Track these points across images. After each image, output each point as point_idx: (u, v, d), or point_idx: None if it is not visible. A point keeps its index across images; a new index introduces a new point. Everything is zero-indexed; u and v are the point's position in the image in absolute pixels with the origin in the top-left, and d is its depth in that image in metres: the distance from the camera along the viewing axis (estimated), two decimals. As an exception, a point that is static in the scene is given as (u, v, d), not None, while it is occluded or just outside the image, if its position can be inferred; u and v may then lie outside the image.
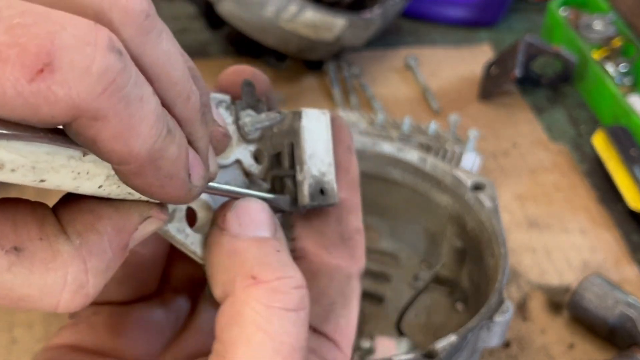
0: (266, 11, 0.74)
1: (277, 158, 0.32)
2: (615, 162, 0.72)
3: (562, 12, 0.90)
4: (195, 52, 0.88)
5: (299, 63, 0.86)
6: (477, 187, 0.55)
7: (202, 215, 0.30)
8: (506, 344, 0.59)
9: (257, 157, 0.32)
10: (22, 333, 0.58)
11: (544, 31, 0.93)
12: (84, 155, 0.21)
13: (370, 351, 0.57)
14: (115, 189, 0.23)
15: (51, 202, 0.23)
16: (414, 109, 0.83)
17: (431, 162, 0.58)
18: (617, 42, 0.84)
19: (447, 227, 0.59)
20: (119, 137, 0.19)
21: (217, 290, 0.27)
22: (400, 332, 0.58)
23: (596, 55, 0.84)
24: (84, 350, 0.31)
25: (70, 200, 0.23)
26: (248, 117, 0.31)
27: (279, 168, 0.32)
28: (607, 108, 0.81)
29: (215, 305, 0.27)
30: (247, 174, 0.31)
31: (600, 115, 0.83)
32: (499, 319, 0.47)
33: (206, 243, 0.29)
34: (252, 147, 0.31)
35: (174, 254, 0.34)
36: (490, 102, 0.85)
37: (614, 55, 0.84)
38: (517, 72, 0.80)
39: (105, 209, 0.23)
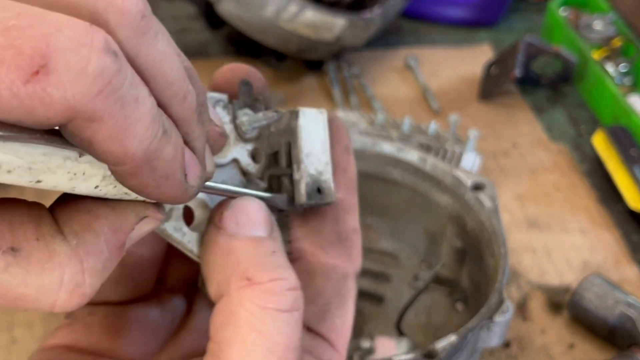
0: (266, 11, 0.74)
1: (274, 157, 0.32)
2: (615, 162, 0.72)
3: (562, 12, 0.90)
4: (195, 52, 0.88)
5: (299, 63, 0.86)
6: (477, 187, 0.55)
7: (199, 214, 0.30)
8: (506, 344, 0.59)
9: (254, 156, 0.32)
10: (22, 333, 0.58)
11: (544, 31, 0.93)
12: (80, 156, 0.21)
13: (370, 351, 0.57)
14: (112, 189, 0.23)
15: (50, 203, 0.23)
16: (414, 109, 0.83)
17: (431, 162, 0.58)
18: (617, 42, 0.84)
19: (447, 227, 0.59)
20: (115, 138, 0.19)
21: (212, 289, 0.27)
22: (400, 332, 0.58)
23: (596, 55, 0.84)
24: (79, 350, 0.31)
25: (67, 200, 0.23)
26: (245, 116, 0.31)
27: (276, 167, 0.32)
28: (607, 108, 0.81)
29: (211, 305, 0.27)
30: (244, 173, 0.31)
31: (600, 115, 0.83)
32: (499, 319, 0.47)
33: (202, 241, 0.29)
34: (249, 146, 0.31)
35: (170, 254, 0.34)
36: (490, 102, 0.85)
37: (614, 55, 0.84)
38: (517, 72, 0.80)
39: (102, 209, 0.23)
